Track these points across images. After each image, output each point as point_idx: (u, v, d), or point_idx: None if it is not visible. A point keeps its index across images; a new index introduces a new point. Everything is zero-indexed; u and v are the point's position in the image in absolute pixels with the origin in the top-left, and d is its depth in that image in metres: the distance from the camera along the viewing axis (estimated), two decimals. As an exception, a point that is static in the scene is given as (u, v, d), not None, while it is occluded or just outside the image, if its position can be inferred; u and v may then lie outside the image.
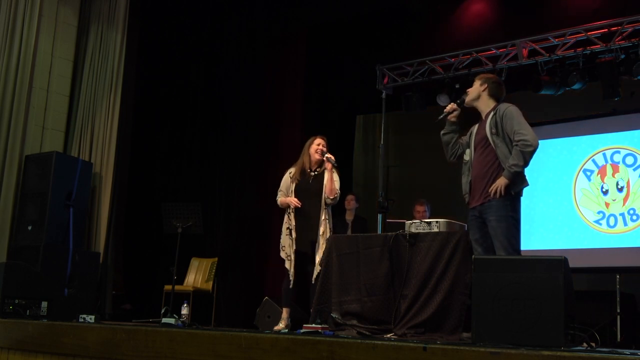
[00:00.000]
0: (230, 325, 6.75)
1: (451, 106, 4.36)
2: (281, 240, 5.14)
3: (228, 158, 8.00)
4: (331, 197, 5.06)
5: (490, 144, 4.06)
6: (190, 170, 8.19)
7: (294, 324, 5.03)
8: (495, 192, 3.92)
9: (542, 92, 6.41)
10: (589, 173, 6.73)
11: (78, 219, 6.44)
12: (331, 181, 5.06)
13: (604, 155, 6.67)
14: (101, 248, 6.68)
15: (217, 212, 7.85)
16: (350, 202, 6.90)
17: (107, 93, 7.02)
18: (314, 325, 4.23)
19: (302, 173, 5.20)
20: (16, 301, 5.24)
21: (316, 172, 5.20)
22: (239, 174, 7.95)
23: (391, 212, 6.27)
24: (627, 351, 2.97)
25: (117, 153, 6.91)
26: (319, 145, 5.18)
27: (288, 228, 5.11)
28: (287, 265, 5.03)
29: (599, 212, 6.59)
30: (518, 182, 3.97)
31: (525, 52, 6.38)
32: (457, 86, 6.72)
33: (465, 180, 4.25)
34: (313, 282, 4.87)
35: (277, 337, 3.22)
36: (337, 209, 5.59)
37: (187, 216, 6.26)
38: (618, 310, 5.71)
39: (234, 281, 7.62)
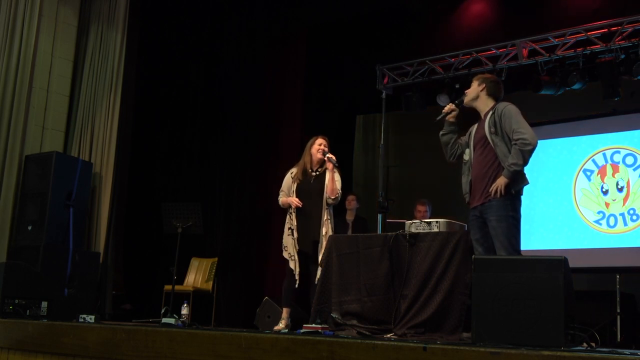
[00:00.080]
0: (230, 325, 6.75)
1: (449, 107, 4.37)
2: (283, 241, 5.14)
3: (228, 158, 8.00)
4: (332, 197, 5.07)
5: (489, 143, 4.06)
6: (190, 170, 8.19)
7: (294, 324, 5.03)
8: (496, 191, 3.93)
9: (542, 92, 6.41)
10: (589, 173, 6.73)
11: (78, 219, 6.44)
12: (332, 181, 5.06)
13: (604, 155, 6.67)
14: (101, 248, 6.68)
15: (217, 212, 7.85)
16: (351, 202, 6.90)
17: (107, 93, 7.02)
18: (314, 325, 4.23)
19: (304, 173, 5.20)
20: (16, 301, 5.24)
21: (317, 172, 5.20)
22: (239, 174, 7.95)
23: (391, 212, 6.28)
24: (627, 351, 2.97)
25: (117, 153, 6.91)
26: (320, 145, 5.18)
27: (290, 228, 5.11)
28: (291, 265, 5.03)
29: (599, 212, 6.59)
30: (518, 180, 3.98)
31: (525, 52, 6.38)
32: (457, 86, 6.72)
33: (465, 180, 4.25)
34: (316, 282, 4.87)
35: (277, 337, 3.22)
36: (337, 209, 5.60)
37: (187, 216, 6.26)
38: (618, 310, 5.71)
39: (234, 281, 7.62)
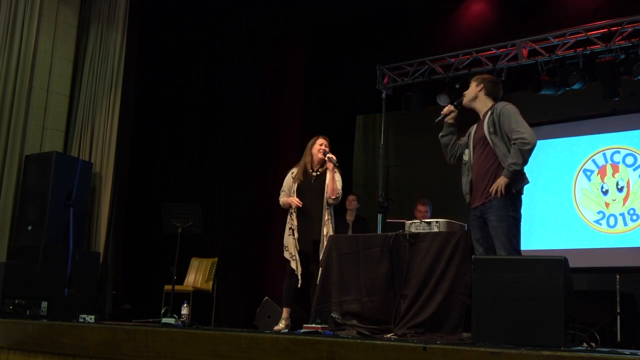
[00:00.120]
0: (230, 325, 6.75)
1: (448, 108, 4.37)
2: (284, 241, 5.14)
3: (228, 158, 8.00)
4: (333, 197, 5.07)
5: (489, 143, 4.06)
6: (190, 170, 8.19)
7: (294, 324, 5.03)
8: (496, 191, 3.93)
9: (542, 92, 6.41)
10: (589, 173, 6.73)
11: (78, 219, 6.44)
12: (333, 181, 5.06)
13: (604, 155, 6.67)
14: (101, 248, 6.68)
15: (217, 212, 7.85)
16: (352, 203, 6.90)
17: (107, 93, 7.02)
18: (314, 325, 4.23)
19: (304, 173, 5.20)
20: (16, 301, 5.24)
21: (318, 172, 5.20)
22: (239, 174, 7.95)
23: (391, 212, 6.27)
24: (627, 351, 2.97)
25: (117, 153, 6.91)
26: (321, 145, 5.18)
27: (290, 228, 5.11)
28: (292, 265, 5.02)
29: (599, 212, 6.59)
30: (518, 180, 3.98)
31: (525, 52, 6.38)
32: (457, 86, 6.72)
33: (465, 180, 4.25)
34: (318, 282, 4.87)
35: (277, 337, 3.22)
36: (337, 209, 5.60)
37: (187, 216, 6.25)
38: (618, 310, 5.71)
39: (234, 281, 7.62)
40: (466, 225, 4.58)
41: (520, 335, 2.92)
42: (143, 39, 7.59)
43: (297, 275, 5.00)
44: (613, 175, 6.58)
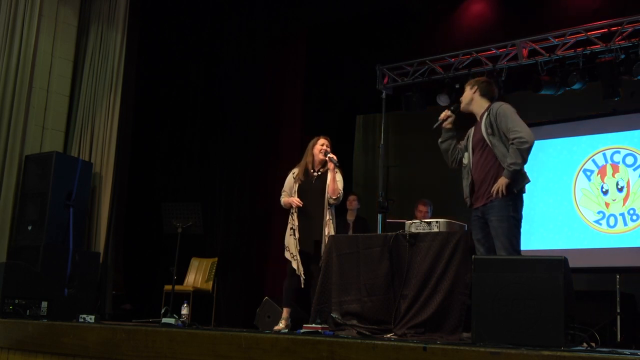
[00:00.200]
0: (230, 325, 6.75)
1: (445, 113, 4.38)
2: (285, 241, 5.13)
3: (228, 158, 8.00)
4: (334, 197, 5.07)
5: (487, 144, 4.07)
6: (190, 170, 8.19)
7: (294, 324, 5.03)
8: (497, 192, 3.93)
9: (542, 92, 6.41)
10: (589, 173, 6.73)
11: (78, 219, 6.44)
12: (334, 181, 5.06)
13: (604, 155, 6.67)
14: (101, 248, 6.68)
15: (217, 212, 7.85)
16: (352, 203, 6.90)
17: (107, 93, 7.02)
18: (314, 325, 4.23)
19: (305, 173, 5.20)
20: (16, 301, 5.24)
21: (319, 172, 5.20)
22: (239, 174, 7.95)
23: (391, 212, 6.27)
24: (627, 351, 2.97)
25: (117, 153, 6.91)
26: (322, 145, 5.18)
27: (291, 228, 5.10)
28: (293, 265, 5.01)
29: (599, 212, 6.59)
30: (519, 180, 3.98)
31: (525, 52, 6.38)
32: (457, 86, 6.72)
33: (465, 183, 4.25)
34: (318, 282, 4.87)
35: (277, 337, 3.22)
36: (338, 209, 5.60)
37: (187, 216, 6.26)
38: (618, 310, 5.71)
39: (234, 281, 7.62)
40: (466, 225, 4.58)
41: (520, 335, 2.92)
42: (143, 39, 7.59)
43: (298, 276, 4.99)
44: (613, 175, 6.58)
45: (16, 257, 5.99)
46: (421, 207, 6.56)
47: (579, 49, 6.17)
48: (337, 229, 5.38)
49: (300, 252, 5.04)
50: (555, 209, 6.84)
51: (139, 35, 7.46)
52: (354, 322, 4.48)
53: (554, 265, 2.99)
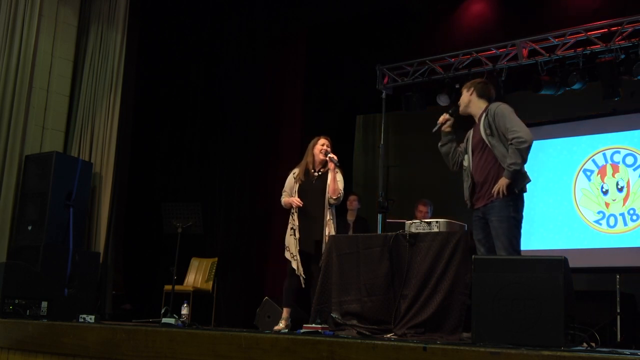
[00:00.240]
0: (230, 325, 6.75)
1: (444, 117, 4.38)
2: (285, 241, 5.14)
3: (228, 158, 8.00)
4: (334, 197, 5.07)
5: (487, 146, 4.07)
6: (190, 170, 8.19)
7: (294, 324, 5.03)
8: (499, 192, 3.93)
9: (542, 92, 6.41)
10: (589, 173, 6.73)
11: (78, 219, 6.44)
12: (334, 181, 5.06)
13: (604, 155, 6.67)
14: (101, 248, 6.68)
15: (217, 212, 7.85)
16: (353, 203, 6.90)
17: (107, 93, 7.02)
18: (314, 325, 4.23)
19: (306, 173, 5.20)
20: (16, 301, 5.24)
21: (320, 172, 5.20)
22: (239, 174, 7.95)
23: (391, 212, 6.27)
24: (627, 351, 2.97)
25: (117, 153, 6.91)
26: (323, 145, 5.18)
27: (292, 228, 5.11)
28: (293, 265, 5.02)
29: (599, 212, 6.59)
30: (520, 179, 3.98)
31: (525, 52, 6.38)
32: (457, 86, 6.71)
33: (465, 186, 4.24)
34: (318, 282, 4.87)
35: (277, 337, 3.22)
36: (338, 210, 5.60)
37: (187, 216, 6.26)
38: (618, 310, 5.71)
39: (234, 281, 7.62)
40: (466, 225, 4.58)
41: (520, 335, 2.92)
42: (143, 39, 7.59)
43: (298, 276, 4.99)
44: (613, 175, 6.58)
45: (16, 257, 5.99)
46: (421, 208, 6.56)
47: (579, 49, 6.17)
48: (338, 229, 5.38)
49: (301, 252, 5.04)
50: (555, 209, 6.84)
51: (139, 35, 7.46)
52: (354, 322, 4.48)
53: (554, 265, 2.99)
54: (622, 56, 5.90)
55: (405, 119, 8.36)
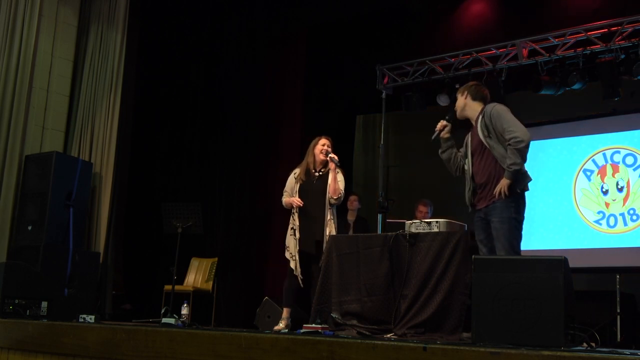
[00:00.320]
0: (230, 325, 6.75)
1: (441, 124, 4.38)
2: (286, 241, 5.14)
3: (228, 158, 8.00)
4: (335, 197, 5.07)
5: (486, 147, 4.07)
6: (190, 170, 8.19)
7: (294, 324, 5.03)
8: (500, 193, 3.92)
9: (542, 92, 6.40)
10: (589, 173, 6.73)
11: (78, 219, 6.44)
12: (335, 181, 5.06)
13: (604, 155, 6.67)
14: (101, 248, 6.68)
15: (217, 212, 7.85)
16: (353, 203, 6.90)
17: (107, 93, 7.02)
18: (314, 325, 4.23)
19: (307, 173, 5.21)
20: (16, 301, 5.24)
21: (321, 173, 5.20)
22: (239, 174, 7.95)
23: (391, 212, 6.27)
24: (627, 351, 2.97)
25: (117, 153, 6.91)
26: (323, 145, 5.19)
27: (292, 228, 5.11)
28: (292, 265, 5.02)
29: (599, 212, 6.59)
30: (521, 179, 3.98)
31: (525, 52, 6.38)
32: (457, 86, 6.69)
33: (466, 189, 4.24)
34: (318, 282, 4.87)
35: (277, 337, 3.22)
36: (338, 210, 5.60)
37: (187, 216, 6.26)
38: (618, 310, 5.71)
39: (234, 281, 7.62)
40: (466, 225, 4.58)
41: (520, 335, 2.92)
42: (143, 39, 7.59)
43: (297, 276, 5.00)
44: (613, 175, 6.58)
45: (16, 257, 5.99)
46: (421, 208, 6.56)
47: (579, 49, 6.16)
48: (338, 229, 5.38)
49: (301, 252, 5.04)
50: (555, 209, 6.84)
51: (139, 35, 7.46)
52: (354, 322, 4.48)
53: (554, 265, 2.99)
54: (622, 56, 5.90)
55: (405, 119, 8.36)
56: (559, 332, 2.88)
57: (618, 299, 5.75)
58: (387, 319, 4.39)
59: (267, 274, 7.64)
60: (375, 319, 4.44)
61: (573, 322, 3.02)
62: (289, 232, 5.13)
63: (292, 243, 5.07)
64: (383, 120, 7.30)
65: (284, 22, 8.07)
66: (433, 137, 4.41)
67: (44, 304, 5.43)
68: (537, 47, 6.37)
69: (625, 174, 6.51)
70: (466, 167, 4.26)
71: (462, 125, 4.43)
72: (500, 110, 4.04)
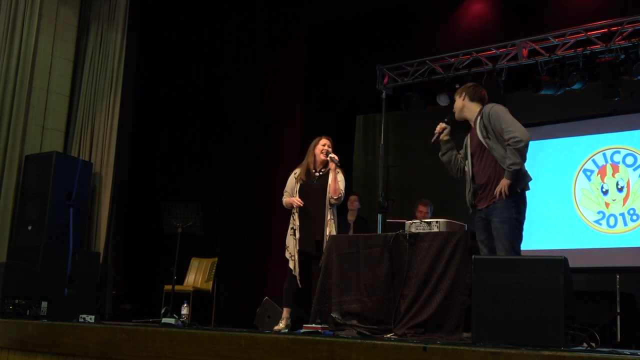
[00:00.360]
0: (230, 325, 6.75)
1: (440, 126, 4.39)
2: (286, 241, 5.14)
3: (228, 158, 8.00)
4: (335, 197, 5.07)
5: (486, 148, 4.07)
6: (190, 170, 8.19)
7: (294, 324, 5.03)
8: (501, 193, 3.92)
9: (542, 92, 6.40)
10: (589, 173, 6.73)
11: (78, 219, 6.44)
12: (335, 181, 5.06)
13: (604, 155, 6.67)
14: (101, 248, 6.68)
15: (217, 212, 7.85)
16: (354, 203, 6.90)
17: (107, 93, 7.03)
18: (314, 325, 4.23)
19: (307, 173, 5.21)
20: (16, 301, 5.24)
21: (321, 173, 5.20)
22: (239, 174, 7.95)
23: (391, 212, 6.27)
24: (627, 351, 2.97)
25: (117, 153, 6.91)
26: (324, 145, 5.19)
27: (292, 228, 5.11)
28: (290, 265, 5.03)
29: (599, 212, 6.59)
30: (520, 179, 3.98)
31: (525, 52, 6.38)
32: (457, 86, 6.68)
33: (467, 190, 4.24)
34: (318, 282, 4.87)
35: (277, 337, 3.22)
36: (339, 210, 5.61)
37: (187, 216, 6.26)
38: (618, 310, 5.71)
39: (234, 281, 7.62)
40: (466, 225, 4.58)
41: (520, 335, 2.92)
42: (143, 39, 7.59)
43: (297, 275, 5.00)
44: (613, 175, 6.58)
45: (16, 257, 5.99)
46: (421, 208, 6.55)
47: (579, 49, 6.16)
48: (338, 229, 5.38)
49: (301, 252, 5.05)
50: (555, 209, 6.84)
51: (139, 35, 7.46)
52: (354, 322, 4.48)
53: (554, 265, 2.99)
54: (622, 56, 5.90)
55: (405, 119, 8.36)
56: (559, 332, 2.88)
57: (618, 299, 5.75)
58: (387, 319, 4.39)
59: (267, 274, 7.64)
60: (375, 319, 4.44)
61: (573, 322, 3.02)
62: (289, 232, 5.13)
63: (291, 243, 5.07)
64: (383, 120, 7.30)
65: (284, 22, 8.07)
66: (432, 140, 4.41)
67: (44, 304, 5.43)
68: (537, 47, 6.36)
69: (625, 174, 6.51)
70: (466, 169, 4.26)
71: (462, 127, 4.43)
72: (498, 110, 4.04)
